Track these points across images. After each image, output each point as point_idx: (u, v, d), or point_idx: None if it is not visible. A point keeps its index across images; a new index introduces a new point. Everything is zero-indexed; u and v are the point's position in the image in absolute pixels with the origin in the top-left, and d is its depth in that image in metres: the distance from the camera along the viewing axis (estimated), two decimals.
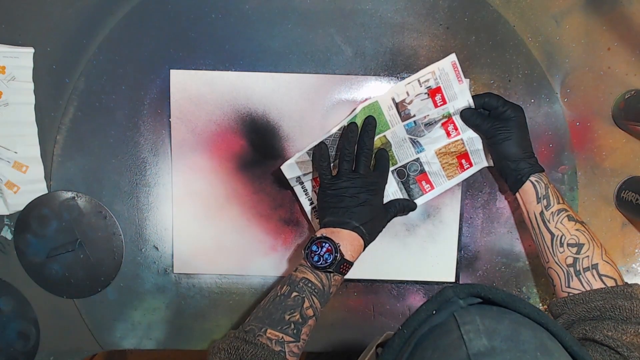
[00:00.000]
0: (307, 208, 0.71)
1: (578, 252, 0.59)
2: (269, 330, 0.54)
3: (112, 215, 0.73)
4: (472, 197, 0.73)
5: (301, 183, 0.69)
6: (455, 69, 0.65)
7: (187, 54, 0.70)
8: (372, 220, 0.62)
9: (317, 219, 0.71)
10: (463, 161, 0.70)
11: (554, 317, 0.59)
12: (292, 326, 0.55)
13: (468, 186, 0.73)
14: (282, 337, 0.54)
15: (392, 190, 0.71)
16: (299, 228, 0.73)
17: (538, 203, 0.62)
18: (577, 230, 0.60)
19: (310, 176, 0.69)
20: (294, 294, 0.57)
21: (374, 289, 0.75)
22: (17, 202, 0.71)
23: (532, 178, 0.62)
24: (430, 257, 0.74)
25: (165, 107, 0.71)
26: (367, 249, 0.73)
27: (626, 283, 0.57)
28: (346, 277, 0.73)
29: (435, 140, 0.69)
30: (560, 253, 0.60)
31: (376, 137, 0.67)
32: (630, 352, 0.48)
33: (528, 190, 0.63)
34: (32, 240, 0.72)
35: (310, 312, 0.57)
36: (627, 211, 0.72)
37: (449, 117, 0.68)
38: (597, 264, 0.58)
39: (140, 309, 0.75)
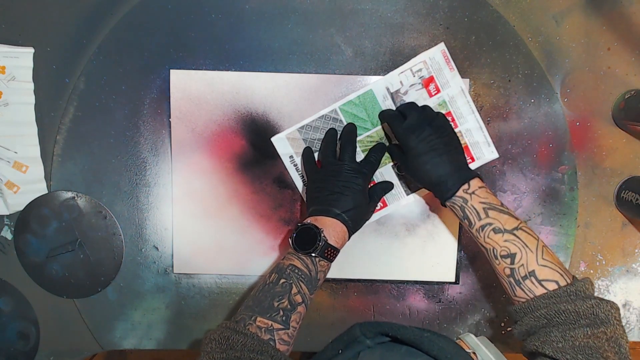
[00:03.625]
0: (299, 185, 0.72)
1: (512, 263, 0.57)
2: (258, 319, 0.55)
3: (112, 215, 0.73)
4: None
5: (295, 165, 0.71)
6: (445, 56, 0.68)
7: (187, 54, 0.70)
8: (355, 208, 0.62)
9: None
10: None
11: (514, 322, 0.58)
12: (281, 313, 0.55)
13: None
14: (271, 325, 0.54)
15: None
16: None
17: (462, 222, 0.62)
18: (505, 241, 0.58)
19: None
20: (282, 280, 0.58)
21: (374, 289, 0.75)
22: (17, 202, 0.71)
23: (447, 204, 0.62)
24: (430, 257, 0.74)
25: (165, 107, 0.71)
26: (367, 249, 0.73)
27: (572, 280, 0.55)
28: (347, 277, 0.74)
29: None
30: (498, 265, 0.59)
31: (375, 130, 0.69)
32: None
33: (452, 212, 0.63)
34: (32, 240, 0.72)
35: (298, 298, 0.57)
36: (627, 211, 0.72)
37: (447, 110, 0.69)
38: (533, 270, 0.56)
39: (140, 309, 0.75)
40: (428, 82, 0.68)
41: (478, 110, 0.70)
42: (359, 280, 0.74)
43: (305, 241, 0.59)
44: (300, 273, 0.58)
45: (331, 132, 0.68)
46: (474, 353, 0.58)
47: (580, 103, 0.71)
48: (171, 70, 0.70)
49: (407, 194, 0.71)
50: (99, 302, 0.74)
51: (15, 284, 0.74)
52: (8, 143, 0.69)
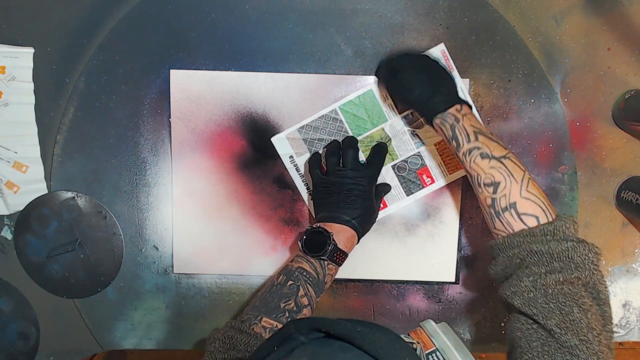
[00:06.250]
0: (300, 186, 0.72)
1: (495, 192, 0.53)
2: (264, 319, 0.55)
3: (112, 215, 0.72)
4: (472, 197, 0.73)
5: (295, 165, 0.71)
6: (445, 56, 0.68)
7: (187, 54, 0.70)
8: (363, 214, 0.63)
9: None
10: None
11: (492, 260, 0.55)
12: (287, 314, 0.56)
13: (468, 186, 0.73)
14: (276, 326, 0.55)
15: (393, 185, 0.71)
16: (299, 228, 0.73)
17: (450, 144, 0.58)
18: (491, 168, 0.54)
19: (304, 159, 0.71)
20: (290, 282, 0.58)
21: (374, 289, 0.75)
22: (17, 202, 0.71)
23: (436, 120, 0.59)
24: (430, 257, 0.74)
25: (165, 107, 0.71)
26: (367, 249, 0.73)
27: (554, 218, 0.51)
28: (347, 277, 0.74)
29: (435, 134, 0.70)
30: (480, 194, 0.55)
31: (375, 130, 0.70)
32: (546, 319, 0.44)
33: (439, 132, 0.60)
34: (32, 240, 0.72)
35: (305, 300, 0.57)
36: (627, 211, 0.72)
37: None
38: (515, 202, 0.52)
39: (140, 309, 0.75)
40: None
41: (478, 111, 0.70)
42: (359, 280, 0.74)
43: (315, 245, 0.60)
44: (308, 276, 0.59)
45: (334, 143, 0.68)
46: (422, 342, 0.58)
47: (580, 103, 0.71)
48: (171, 70, 0.69)
49: (407, 195, 0.72)
50: (99, 302, 0.74)
51: (15, 284, 0.73)
52: (8, 143, 0.69)
